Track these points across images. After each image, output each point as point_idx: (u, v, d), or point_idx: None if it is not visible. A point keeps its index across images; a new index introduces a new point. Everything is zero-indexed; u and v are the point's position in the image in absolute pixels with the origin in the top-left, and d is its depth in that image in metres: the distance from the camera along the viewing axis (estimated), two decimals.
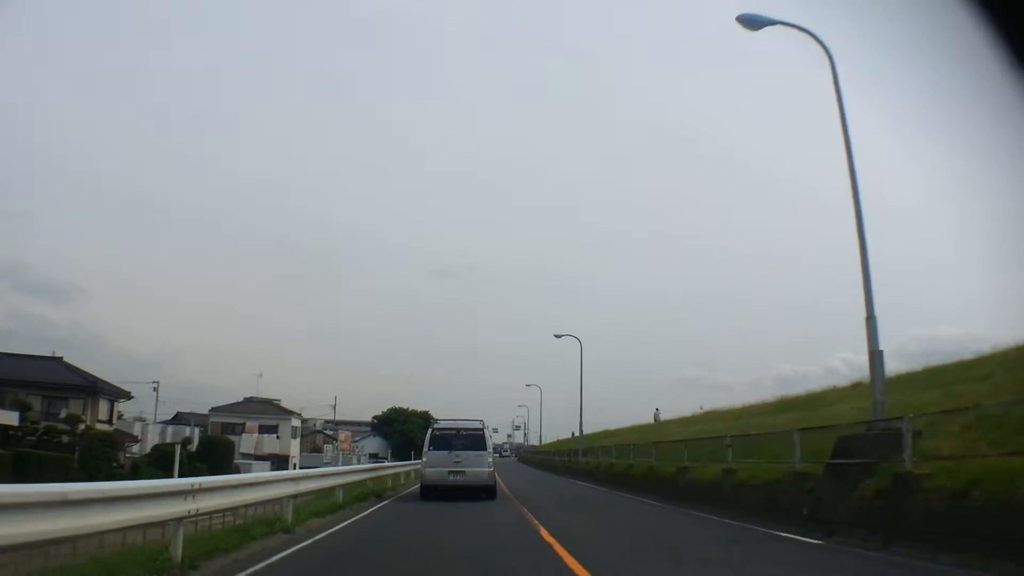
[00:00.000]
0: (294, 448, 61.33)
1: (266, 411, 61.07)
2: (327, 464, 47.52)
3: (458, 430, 18.21)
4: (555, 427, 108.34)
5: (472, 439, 17.80)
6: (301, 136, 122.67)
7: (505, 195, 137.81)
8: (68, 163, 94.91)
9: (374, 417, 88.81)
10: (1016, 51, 3.17)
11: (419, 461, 25.53)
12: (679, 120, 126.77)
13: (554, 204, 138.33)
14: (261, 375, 70.02)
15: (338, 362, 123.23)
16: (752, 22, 13.40)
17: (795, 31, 12.20)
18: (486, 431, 18.38)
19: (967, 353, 18.41)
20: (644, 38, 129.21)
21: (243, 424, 58.04)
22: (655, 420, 43.09)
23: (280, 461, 53.62)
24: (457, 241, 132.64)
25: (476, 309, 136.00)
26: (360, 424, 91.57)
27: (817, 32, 12.00)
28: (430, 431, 18.47)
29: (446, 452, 17.49)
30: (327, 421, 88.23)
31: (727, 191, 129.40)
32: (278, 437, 59.06)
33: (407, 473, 27.63)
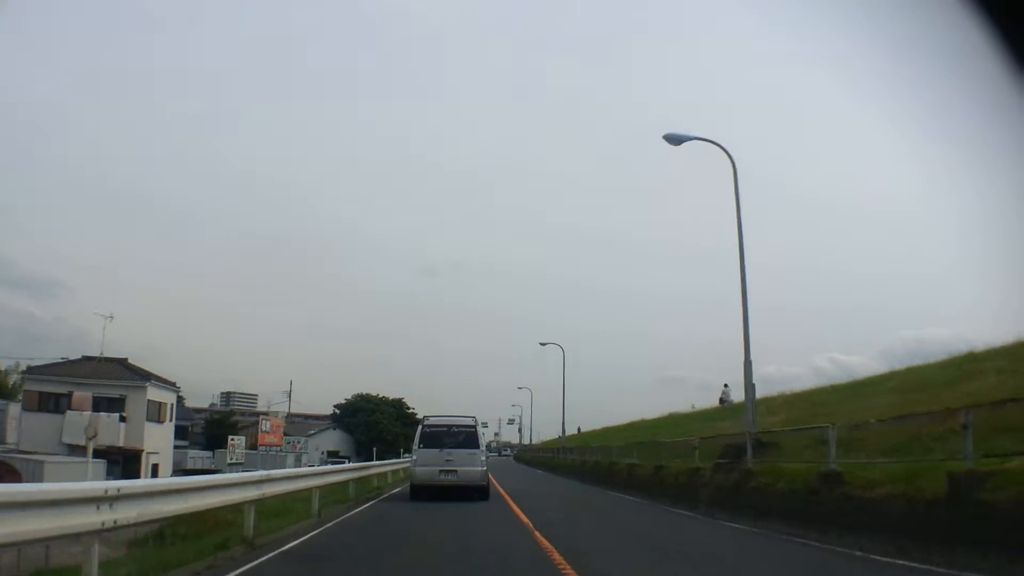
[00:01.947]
0: (156, 438, 40.11)
1: (108, 375, 39.06)
2: (234, 466, 36.97)
3: (449, 427, 19.02)
4: (550, 426, 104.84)
5: (464, 436, 18.61)
6: (289, 131, 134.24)
7: (496, 194, 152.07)
8: (56, 158, 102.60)
9: (335, 406, 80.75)
10: (1016, 51, 3.45)
11: (388, 462, 26.47)
12: (665, 119, 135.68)
13: (545, 203, 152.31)
14: (111, 317, 43.81)
15: (319, 359, 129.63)
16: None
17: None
18: (478, 428, 19.27)
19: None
20: (640, 38, 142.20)
21: (69, 395, 37.32)
22: (723, 403, 34.68)
23: (128, 461, 36.05)
24: (445, 239, 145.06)
25: (464, 307, 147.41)
26: (324, 418, 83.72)
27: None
28: (420, 428, 19.30)
29: (437, 450, 18.28)
30: (290, 415, 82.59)
31: (719, 193, 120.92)
32: (124, 418, 36.38)
33: (354, 482, 20.45)
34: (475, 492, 17.97)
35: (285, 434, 67.46)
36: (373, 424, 76.33)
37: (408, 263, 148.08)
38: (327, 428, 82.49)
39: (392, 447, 72.39)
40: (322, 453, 74.88)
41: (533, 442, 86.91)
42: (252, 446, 53.54)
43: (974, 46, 3.56)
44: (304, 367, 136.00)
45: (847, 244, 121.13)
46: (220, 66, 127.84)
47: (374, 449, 63.97)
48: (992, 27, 3.43)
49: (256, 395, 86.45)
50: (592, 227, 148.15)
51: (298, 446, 58.84)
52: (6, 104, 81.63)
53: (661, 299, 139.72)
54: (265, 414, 74.26)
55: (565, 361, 47.35)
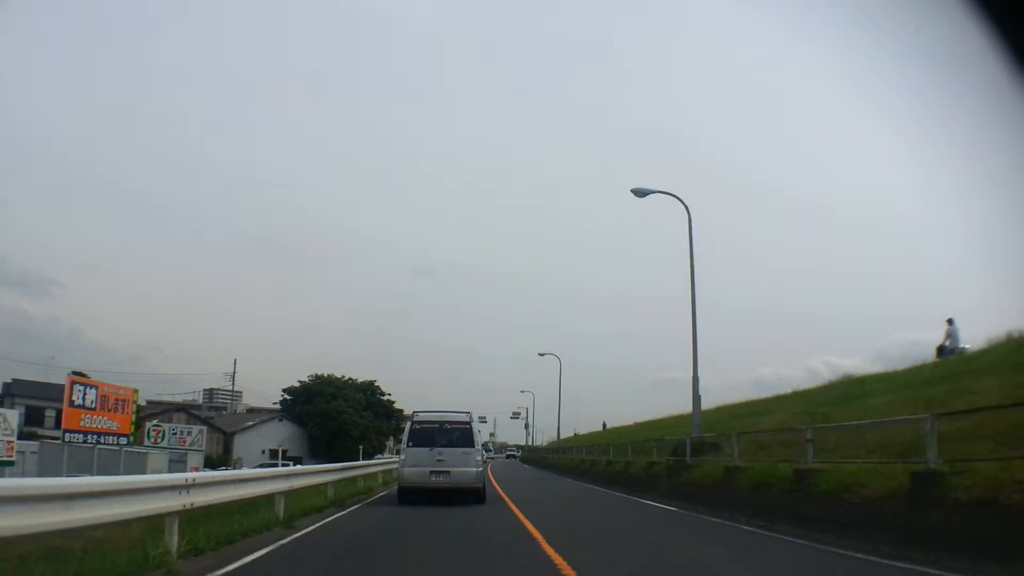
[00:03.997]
0: None
1: None
2: None
3: (441, 423, 18.76)
4: (552, 428, 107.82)
5: (458, 434, 18.37)
6: (283, 129, 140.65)
7: (494, 195, 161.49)
8: (52, 156, 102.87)
9: (284, 391, 62.99)
10: (1016, 51, 3.64)
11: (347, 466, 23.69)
12: (664, 121, 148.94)
13: (544, 204, 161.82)
14: None
15: (314, 357, 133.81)
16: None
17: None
18: (474, 425, 19.07)
19: None
20: (635, 39, 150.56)
21: None
22: (944, 353, 22.47)
23: None
24: (441, 239, 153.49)
25: (461, 307, 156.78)
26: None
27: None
28: (409, 424, 19.17)
29: (427, 449, 18.01)
30: (252, 410, 66.74)
31: (712, 195, 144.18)
32: None
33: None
34: (469, 495, 18.07)
35: (208, 421, 49.93)
36: (333, 414, 58.01)
37: (404, 263, 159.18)
38: (270, 419, 63.93)
39: (359, 444, 54.59)
40: (263, 452, 56.64)
41: (549, 440, 70.93)
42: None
43: (974, 46, 3.73)
44: (298, 364, 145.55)
45: (845, 246, 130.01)
46: (218, 66, 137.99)
47: (360, 448, 46.57)
48: (992, 27, 3.58)
49: (241, 392, 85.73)
50: (590, 228, 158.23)
51: (187, 438, 38.63)
52: (4, 103, 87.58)
53: (657, 300, 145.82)
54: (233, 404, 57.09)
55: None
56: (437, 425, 18.46)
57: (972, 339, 21.51)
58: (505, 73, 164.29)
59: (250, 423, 67.05)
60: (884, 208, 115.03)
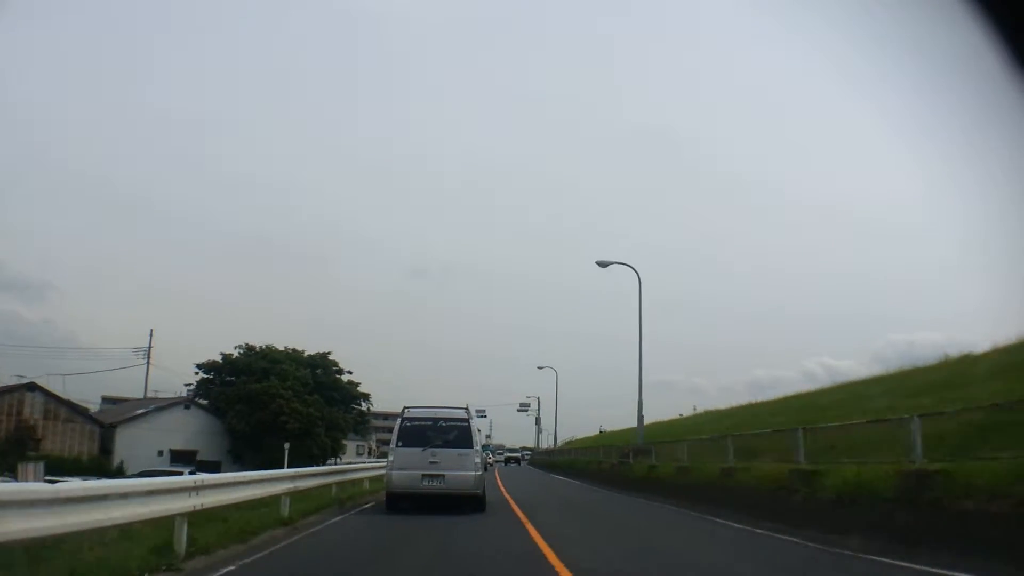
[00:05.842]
0: None
1: None
2: None
3: (435, 420, 17.73)
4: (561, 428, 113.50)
5: (454, 433, 17.34)
6: (282, 129, 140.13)
7: (490, 196, 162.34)
8: (48, 159, 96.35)
9: (198, 367, 46.71)
10: (1016, 51, 3.70)
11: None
12: (663, 122, 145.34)
13: (540, 205, 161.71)
14: None
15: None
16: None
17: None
18: (472, 422, 18.08)
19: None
20: (630, 39, 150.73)
21: None
22: None
23: None
24: (437, 240, 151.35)
25: (457, 308, 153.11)
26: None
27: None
28: (400, 421, 18.10)
29: (419, 449, 17.05)
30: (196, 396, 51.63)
31: (708, 197, 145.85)
32: None
33: None
34: (466, 502, 17.40)
35: (82, 410, 33.93)
36: (264, 397, 41.48)
37: (399, 264, 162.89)
38: (171, 406, 47.17)
39: (303, 443, 39.14)
40: (160, 453, 40.83)
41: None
42: None
43: (974, 46, 3.79)
44: None
45: (842, 247, 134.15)
46: (214, 67, 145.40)
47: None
48: (992, 27, 3.66)
49: None
50: (588, 230, 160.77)
51: None
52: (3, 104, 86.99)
53: (652, 302, 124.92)
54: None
55: None
56: (430, 422, 17.39)
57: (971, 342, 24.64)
58: (505, 73, 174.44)
59: (141, 411, 49.40)
60: (883, 208, 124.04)
